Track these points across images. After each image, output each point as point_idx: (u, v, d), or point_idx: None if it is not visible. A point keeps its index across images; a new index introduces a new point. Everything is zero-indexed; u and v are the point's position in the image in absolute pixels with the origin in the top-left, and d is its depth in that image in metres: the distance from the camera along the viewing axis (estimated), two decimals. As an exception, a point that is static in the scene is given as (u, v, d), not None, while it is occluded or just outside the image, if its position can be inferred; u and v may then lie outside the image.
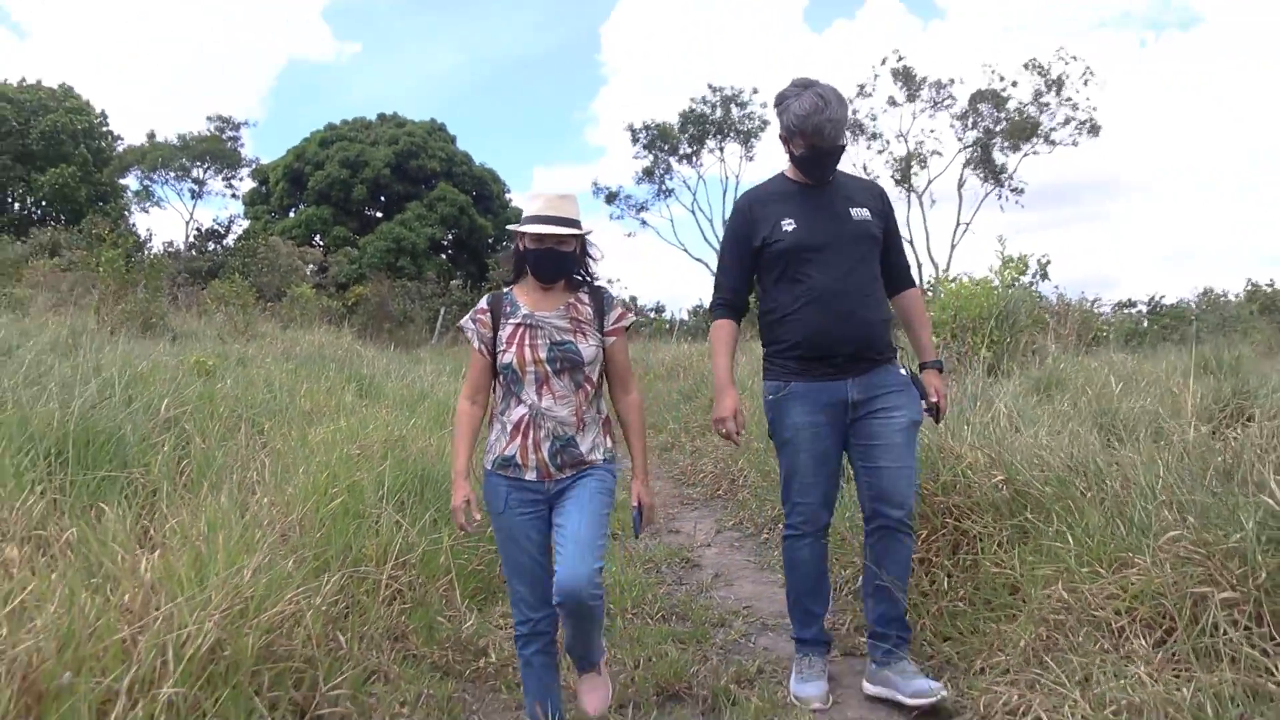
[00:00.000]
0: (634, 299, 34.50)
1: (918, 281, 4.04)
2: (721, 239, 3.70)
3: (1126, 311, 27.10)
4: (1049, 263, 14.26)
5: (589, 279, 3.05)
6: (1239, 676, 2.51)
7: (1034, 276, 14.14)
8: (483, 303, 3.04)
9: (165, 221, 54.91)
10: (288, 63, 75.52)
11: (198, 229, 38.24)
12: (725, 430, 3.51)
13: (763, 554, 5.36)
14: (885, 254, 3.53)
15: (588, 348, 2.95)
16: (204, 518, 3.39)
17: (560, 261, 2.93)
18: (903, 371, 3.46)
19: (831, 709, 3.35)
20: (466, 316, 3.05)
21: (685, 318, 34.05)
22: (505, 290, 3.04)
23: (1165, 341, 16.41)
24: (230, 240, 36.37)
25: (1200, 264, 69.71)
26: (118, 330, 10.94)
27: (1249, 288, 18.79)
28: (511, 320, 2.94)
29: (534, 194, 3.01)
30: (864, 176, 3.73)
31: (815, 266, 3.36)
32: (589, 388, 2.98)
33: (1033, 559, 3.45)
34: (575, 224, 2.93)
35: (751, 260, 3.51)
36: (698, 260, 42.88)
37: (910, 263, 3.75)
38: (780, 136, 3.46)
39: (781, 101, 3.38)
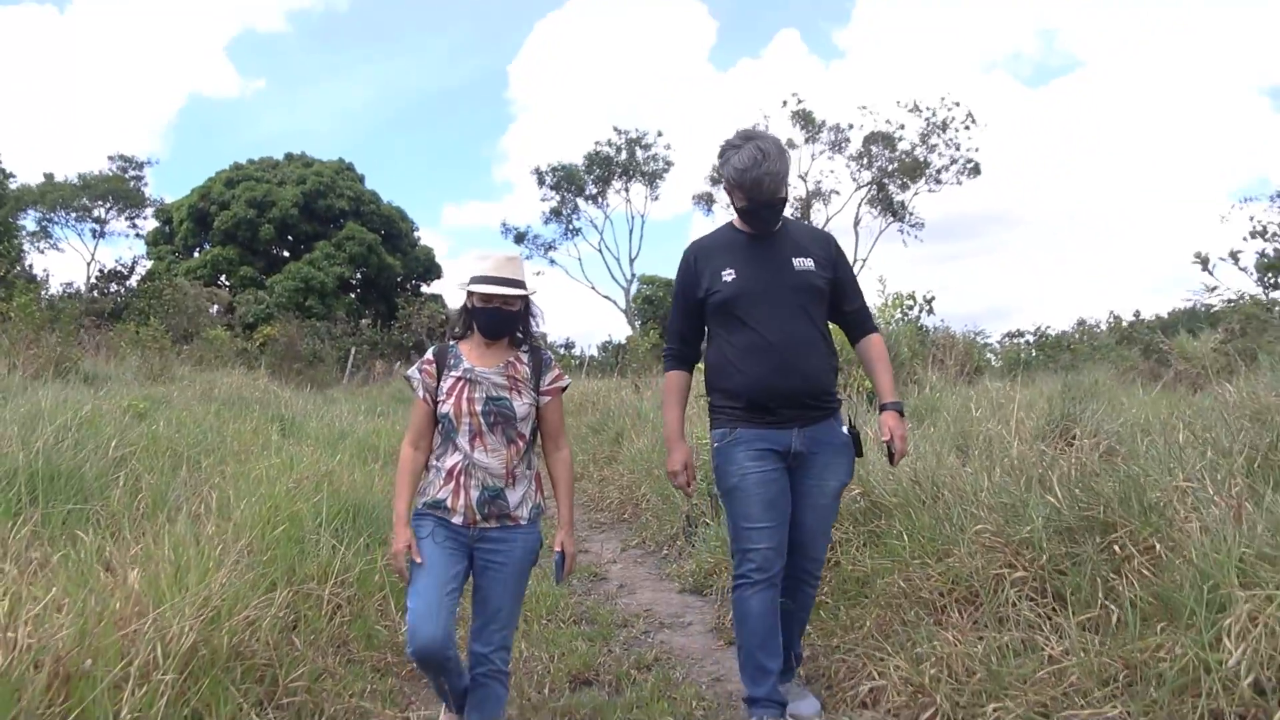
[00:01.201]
0: (544, 335, 34.89)
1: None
2: (673, 290, 3.69)
3: (1015, 341, 28.73)
4: (933, 298, 15.30)
5: (530, 338, 3.21)
6: (1021, 634, 3.24)
7: (919, 311, 15.20)
8: (429, 354, 3.19)
9: (62, 263, 53.49)
10: (188, 99, 74.50)
11: (100, 270, 37.53)
12: (678, 483, 3.61)
13: (662, 567, 6.02)
14: (839, 302, 3.53)
15: (521, 405, 3.09)
16: (168, 543, 3.87)
17: (506, 320, 3.10)
18: (844, 429, 3.47)
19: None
20: (414, 366, 3.18)
21: (595, 354, 34.57)
22: (451, 343, 3.20)
23: (1044, 369, 17.65)
24: (134, 281, 35.74)
25: (1101, 291, 73.49)
26: (30, 375, 11.09)
27: (1110, 320, 20.64)
28: (453, 373, 3.09)
29: (482, 254, 3.15)
30: (814, 226, 3.70)
31: (754, 318, 3.34)
32: (520, 443, 3.11)
33: (879, 556, 4.17)
34: (522, 285, 3.10)
35: (697, 311, 3.51)
36: (605, 298, 43.71)
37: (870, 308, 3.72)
38: (724, 187, 3.48)
39: (724, 153, 3.36)
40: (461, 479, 3.05)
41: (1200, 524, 3.01)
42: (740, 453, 3.34)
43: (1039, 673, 2.94)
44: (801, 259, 3.39)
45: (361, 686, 3.83)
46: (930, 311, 15.25)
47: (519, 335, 3.19)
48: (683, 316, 3.56)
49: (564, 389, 3.22)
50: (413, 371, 3.17)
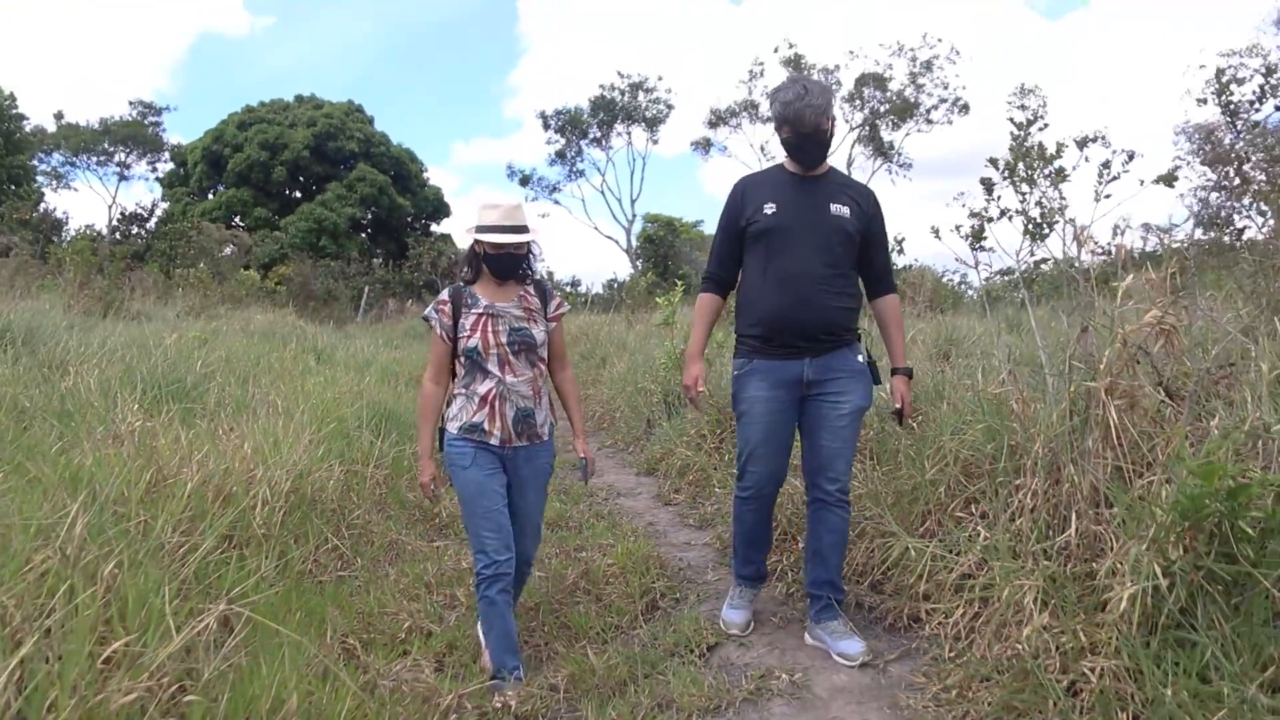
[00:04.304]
0: (550, 274, 36.13)
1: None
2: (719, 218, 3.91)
3: (1004, 279, 30.06)
4: (904, 239, 16.71)
5: (532, 274, 3.49)
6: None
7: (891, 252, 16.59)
8: (444, 294, 3.41)
9: (78, 203, 54.72)
10: (198, 36, 75.16)
11: (121, 212, 38.89)
12: (689, 396, 3.93)
13: (625, 458, 7.64)
14: (866, 256, 3.71)
15: (539, 332, 3.40)
16: (258, 429, 5.43)
17: (516, 263, 3.37)
18: (860, 358, 3.67)
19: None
20: (429, 307, 3.40)
21: (600, 291, 35.75)
22: (462, 284, 3.44)
23: (1011, 305, 19.04)
24: (152, 224, 37.07)
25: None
26: (84, 314, 12.59)
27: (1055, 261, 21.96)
28: (474, 310, 3.33)
29: (489, 204, 3.35)
30: (860, 182, 3.87)
31: (785, 251, 3.56)
32: (541, 365, 3.44)
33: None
34: (527, 229, 3.35)
35: (737, 239, 3.72)
36: (608, 238, 44.94)
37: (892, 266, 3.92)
38: (775, 126, 3.68)
39: (773, 95, 3.63)
40: (496, 403, 3.33)
41: (954, 404, 4.55)
42: (754, 383, 3.64)
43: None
44: (839, 206, 3.61)
45: (398, 528, 5.42)
46: (901, 251, 16.69)
47: (525, 271, 3.46)
48: (724, 243, 3.78)
49: (564, 314, 3.57)
50: (429, 312, 3.40)
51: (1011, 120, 3.66)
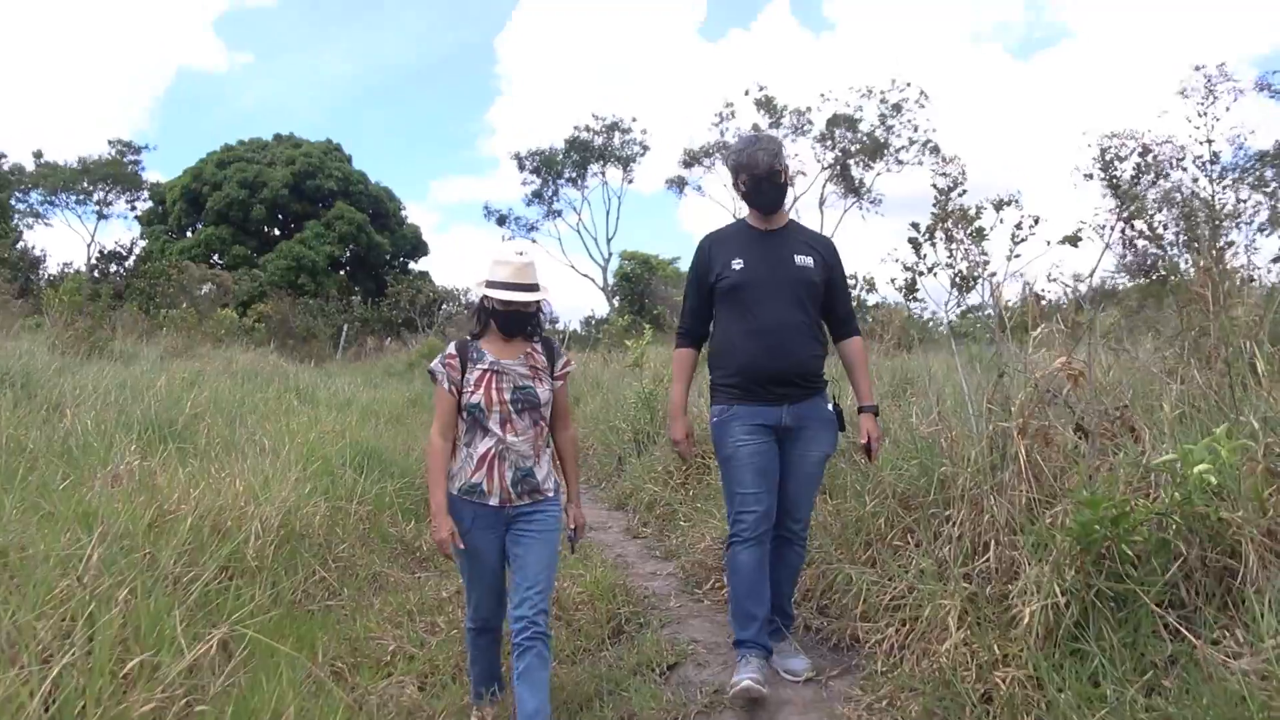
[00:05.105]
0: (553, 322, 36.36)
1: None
2: (687, 274, 4.05)
3: (975, 315, 30.77)
4: (873, 279, 17.27)
5: (540, 331, 3.45)
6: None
7: (860, 290, 17.13)
8: (450, 348, 3.35)
9: (54, 240, 54.71)
10: (177, 74, 75.59)
11: (100, 251, 39.04)
12: (680, 450, 4.07)
13: (597, 494, 8.01)
14: (830, 303, 3.87)
15: (544, 391, 3.34)
16: (248, 468, 5.76)
17: (524, 321, 3.33)
18: (830, 406, 3.87)
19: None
20: (436, 361, 3.36)
21: (578, 328, 36.13)
22: (469, 338, 3.39)
23: (977, 342, 19.57)
24: (130, 262, 37.25)
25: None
26: (70, 355, 12.81)
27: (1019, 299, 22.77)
28: (479, 366, 3.29)
29: (500, 260, 3.29)
30: (818, 231, 4.02)
31: (756, 304, 3.69)
32: (543, 424, 3.37)
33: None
34: (537, 288, 3.30)
35: (708, 294, 3.84)
36: (584, 276, 45.37)
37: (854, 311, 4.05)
38: (733, 181, 3.84)
39: (729, 153, 3.87)
40: (495, 463, 3.27)
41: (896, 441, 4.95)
42: (736, 427, 3.72)
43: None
44: (803, 257, 3.77)
45: (382, 561, 5.74)
46: (872, 289, 17.24)
47: (533, 329, 3.41)
48: (695, 297, 3.92)
49: (570, 372, 3.52)
50: (436, 365, 3.35)
51: (934, 186, 4.10)
